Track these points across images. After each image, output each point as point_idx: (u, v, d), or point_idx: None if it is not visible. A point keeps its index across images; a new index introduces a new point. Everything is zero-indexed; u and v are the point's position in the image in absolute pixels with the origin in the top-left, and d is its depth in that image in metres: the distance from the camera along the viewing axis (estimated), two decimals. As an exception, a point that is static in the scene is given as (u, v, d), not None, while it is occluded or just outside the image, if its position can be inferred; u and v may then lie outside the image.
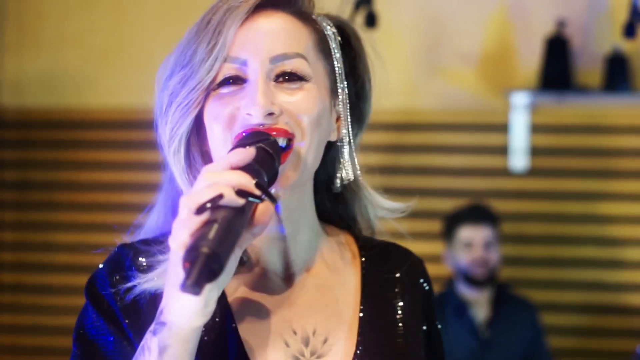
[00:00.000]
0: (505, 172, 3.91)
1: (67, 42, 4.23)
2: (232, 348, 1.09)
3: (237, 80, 1.08)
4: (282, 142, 1.06)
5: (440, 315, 1.30)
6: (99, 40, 4.21)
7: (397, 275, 1.22)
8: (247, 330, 1.10)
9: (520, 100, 3.83)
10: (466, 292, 3.45)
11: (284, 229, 1.12)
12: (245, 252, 1.11)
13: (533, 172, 3.89)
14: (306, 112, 1.08)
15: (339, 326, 1.14)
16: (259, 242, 1.12)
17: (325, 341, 1.12)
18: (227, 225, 0.91)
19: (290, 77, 1.09)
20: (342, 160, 1.18)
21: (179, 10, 4.09)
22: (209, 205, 0.92)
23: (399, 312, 1.19)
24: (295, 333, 1.11)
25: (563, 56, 3.74)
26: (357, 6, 3.21)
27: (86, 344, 1.10)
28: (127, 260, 1.11)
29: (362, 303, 1.16)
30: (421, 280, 1.25)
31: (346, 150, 1.18)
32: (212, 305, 0.96)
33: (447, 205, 3.82)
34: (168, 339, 0.96)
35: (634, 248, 3.85)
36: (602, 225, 3.87)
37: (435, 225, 3.66)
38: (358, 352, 1.12)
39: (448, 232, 3.53)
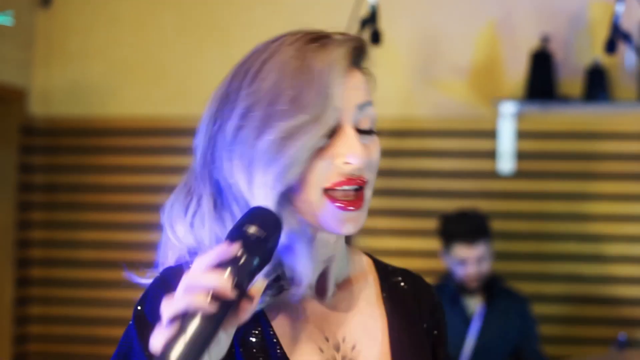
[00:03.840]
0: (493, 175, 3.97)
1: (92, 55, 4.29)
2: (273, 352, 1.12)
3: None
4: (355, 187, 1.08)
5: None
6: (122, 54, 4.26)
7: (412, 293, 1.28)
8: (284, 337, 1.14)
9: (508, 109, 3.90)
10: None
11: (331, 259, 1.18)
12: (284, 280, 1.13)
13: (519, 174, 3.95)
14: (377, 164, 1.12)
15: (365, 334, 1.20)
16: (302, 263, 1.13)
17: (353, 347, 1.18)
18: (196, 335, 0.92)
19: (368, 132, 1.11)
20: None
21: (196, 27, 4.20)
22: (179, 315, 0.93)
23: (418, 322, 1.25)
24: (327, 340, 1.17)
25: (547, 69, 3.82)
26: (363, 25, 3.33)
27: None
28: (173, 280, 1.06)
29: (387, 315, 1.23)
30: (429, 293, 1.30)
31: None
32: None
33: (441, 205, 3.88)
34: None
35: (612, 244, 3.91)
36: (583, 223, 3.94)
37: (430, 223, 3.72)
38: (392, 355, 1.19)
39: (444, 242, 3.46)
